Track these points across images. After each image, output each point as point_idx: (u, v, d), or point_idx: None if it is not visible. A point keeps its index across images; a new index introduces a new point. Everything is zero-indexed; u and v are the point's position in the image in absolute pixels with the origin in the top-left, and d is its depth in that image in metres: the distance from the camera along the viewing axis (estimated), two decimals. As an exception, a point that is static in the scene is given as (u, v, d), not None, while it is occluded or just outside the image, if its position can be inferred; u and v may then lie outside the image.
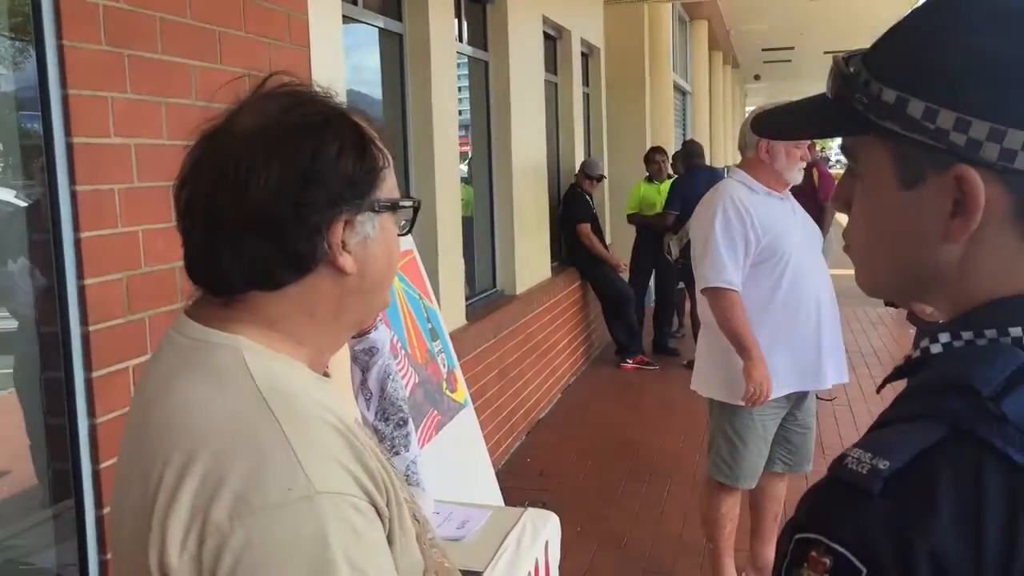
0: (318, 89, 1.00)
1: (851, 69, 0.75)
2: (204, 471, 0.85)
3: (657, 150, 8.36)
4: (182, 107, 2.38)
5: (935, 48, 0.69)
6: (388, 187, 1.00)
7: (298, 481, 0.84)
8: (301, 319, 0.98)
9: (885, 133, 0.72)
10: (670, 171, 8.24)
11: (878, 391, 0.79)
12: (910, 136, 0.70)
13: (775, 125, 0.90)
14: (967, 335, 0.70)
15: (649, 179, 8.17)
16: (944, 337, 0.72)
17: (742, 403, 3.27)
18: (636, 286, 7.84)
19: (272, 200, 0.91)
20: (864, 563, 0.62)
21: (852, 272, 0.83)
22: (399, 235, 1.04)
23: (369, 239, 0.98)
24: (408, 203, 1.03)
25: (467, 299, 5.22)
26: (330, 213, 0.93)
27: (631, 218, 8.17)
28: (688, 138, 11.22)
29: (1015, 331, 0.68)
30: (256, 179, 0.91)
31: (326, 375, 1.05)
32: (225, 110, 0.97)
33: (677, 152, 8.90)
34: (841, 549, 0.63)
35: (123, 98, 2.22)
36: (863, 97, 0.73)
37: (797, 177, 3.34)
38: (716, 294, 3.24)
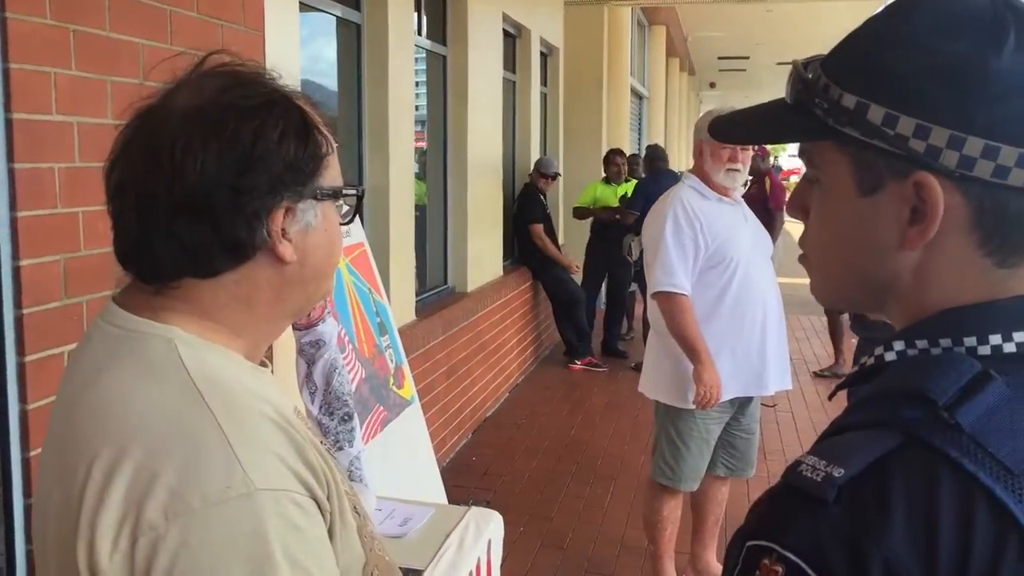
0: (260, 70, 0.96)
1: (810, 74, 0.74)
2: (136, 467, 0.81)
3: (617, 152, 8.35)
4: (128, 86, 2.31)
5: (896, 54, 0.69)
6: (332, 175, 0.97)
7: (236, 478, 0.81)
8: (238, 308, 0.94)
9: (844, 139, 0.71)
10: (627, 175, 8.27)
11: (830, 397, 0.78)
12: (869, 142, 0.69)
13: (733, 130, 0.89)
14: (922, 344, 0.70)
15: (606, 180, 8.18)
16: (899, 345, 0.71)
17: (688, 407, 3.29)
18: (588, 288, 7.86)
19: (210, 184, 0.87)
20: (817, 572, 0.61)
21: (799, 280, 0.82)
22: (341, 224, 1.01)
23: (311, 228, 0.95)
24: (352, 191, 1.00)
25: (417, 295, 5.18)
26: (270, 199, 0.90)
27: (577, 211, 8.11)
28: (651, 143, 11.28)
29: (969, 341, 0.68)
30: (192, 162, 0.87)
31: (264, 364, 1.02)
32: (160, 88, 0.93)
33: (634, 155, 8.93)
34: (794, 558, 0.62)
35: (67, 74, 2.15)
36: (823, 102, 0.72)
37: (727, 180, 3.31)
38: (666, 298, 3.25)
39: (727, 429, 3.48)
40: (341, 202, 1.00)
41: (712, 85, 25.66)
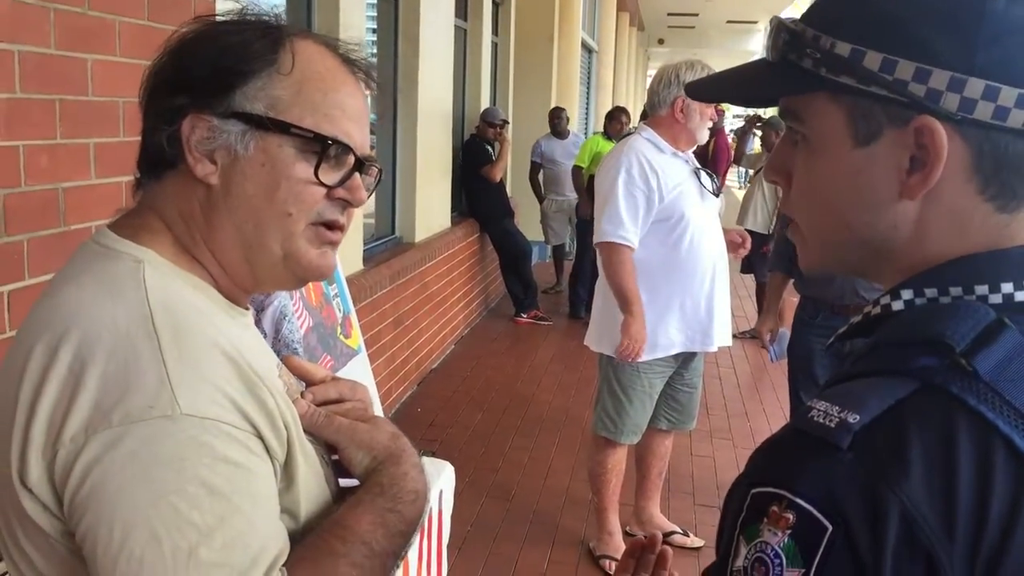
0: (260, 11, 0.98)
1: (795, 27, 0.72)
2: (66, 372, 0.81)
3: (622, 110, 8.12)
4: (73, 15, 2.19)
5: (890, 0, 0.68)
6: (285, 108, 0.91)
7: (163, 399, 0.80)
8: (186, 229, 0.94)
9: (839, 88, 0.70)
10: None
11: (829, 346, 0.76)
12: (866, 89, 0.68)
13: (716, 89, 0.85)
14: (931, 292, 0.69)
15: (607, 136, 8.05)
16: (907, 294, 0.70)
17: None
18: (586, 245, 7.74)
19: (147, 86, 0.95)
20: (830, 520, 0.59)
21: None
22: (324, 184, 0.93)
23: (240, 156, 0.91)
24: (303, 132, 0.91)
25: (365, 244, 5.11)
26: (168, 101, 0.92)
27: (582, 172, 7.80)
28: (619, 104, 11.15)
29: (981, 289, 0.67)
30: (153, 64, 0.95)
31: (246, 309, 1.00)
32: None
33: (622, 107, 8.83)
34: (806, 505, 0.60)
35: None
36: (814, 52, 0.70)
37: (704, 136, 3.43)
38: (609, 248, 3.27)
39: (670, 383, 3.53)
40: (322, 155, 0.92)
41: (661, 41, 25.62)
